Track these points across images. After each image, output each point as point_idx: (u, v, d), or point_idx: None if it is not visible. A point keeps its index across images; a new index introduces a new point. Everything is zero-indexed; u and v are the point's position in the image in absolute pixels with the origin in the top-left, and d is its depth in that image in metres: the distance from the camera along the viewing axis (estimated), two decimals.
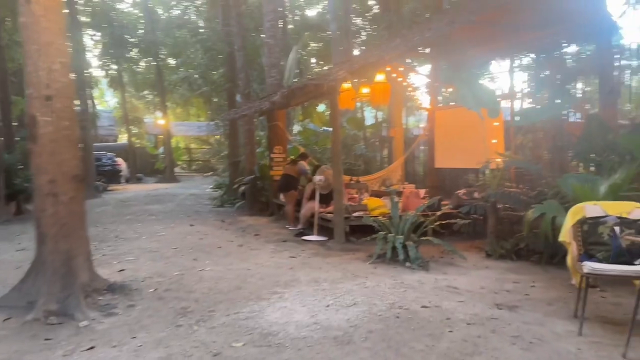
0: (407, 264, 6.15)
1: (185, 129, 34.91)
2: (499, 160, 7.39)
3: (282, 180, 9.42)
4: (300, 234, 8.38)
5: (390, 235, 6.51)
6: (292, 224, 9.22)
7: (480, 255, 6.90)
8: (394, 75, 9.56)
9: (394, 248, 6.35)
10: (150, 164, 29.96)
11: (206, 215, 11.61)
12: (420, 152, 13.21)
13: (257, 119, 14.46)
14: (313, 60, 22.90)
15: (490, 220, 6.97)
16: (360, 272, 5.76)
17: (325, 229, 8.14)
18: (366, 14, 19.50)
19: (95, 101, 43.51)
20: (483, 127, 9.21)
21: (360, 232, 7.68)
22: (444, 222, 6.97)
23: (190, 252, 6.85)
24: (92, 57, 30.74)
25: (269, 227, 9.49)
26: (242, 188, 12.27)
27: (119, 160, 23.70)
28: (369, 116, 19.21)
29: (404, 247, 6.32)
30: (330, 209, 8.46)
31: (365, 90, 9.65)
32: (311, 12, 26.32)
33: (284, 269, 5.83)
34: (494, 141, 8.82)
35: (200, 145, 32.81)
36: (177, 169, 32.55)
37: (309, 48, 22.47)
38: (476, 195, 8.81)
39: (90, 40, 31.23)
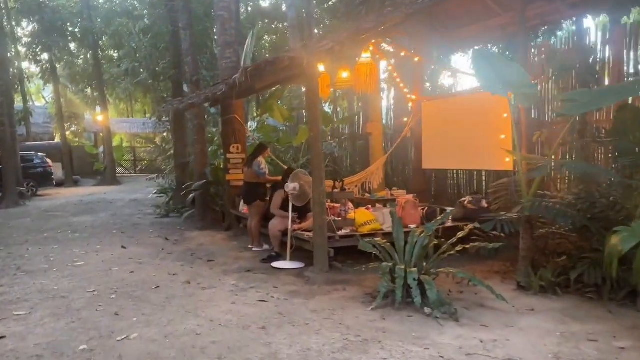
0: (427, 309, 4.34)
1: (129, 126, 32.00)
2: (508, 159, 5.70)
3: (245, 189, 7.44)
4: (269, 258, 6.44)
5: (399, 267, 4.67)
6: (256, 244, 7.26)
7: (509, 287, 5.21)
8: (377, 56, 7.75)
9: (405, 286, 4.53)
10: (89, 165, 27.02)
11: (146, 229, 9.42)
12: (402, 150, 11.50)
13: (209, 112, 12.33)
14: (267, 55, 20.89)
15: (523, 241, 5.27)
16: (366, 330, 3.90)
17: (301, 250, 6.25)
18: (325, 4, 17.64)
19: (32, 97, 39.94)
20: (486, 120, 7.62)
21: (343, 252, 5.88)
22: (454, 240, 5.21)
23: (113, 298, 4.74)
24: (23, 47, 27.44)
25: (227, 247, 7.47)
26: (192, 195, 10.15)
27: (50, 162, 20.79)
28: (328, 111, 17.37)
29: (419, 283, 4.52)
30: (307, 225, 6.56)
31: (344, 74, 7.80)
32: (265, 3, 24.33)
33: (252, 331, 3.86)
34: (502, 137, 7.18)
35: (145, 143, 30.06)
36: (120, 170, 29.76)
37: (262, 41, 20.47)
38: (484, 204, 7.16)
39: (21, 29, 28.04)
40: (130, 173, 30.52)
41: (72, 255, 6.79)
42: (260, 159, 7.29)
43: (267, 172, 7.31)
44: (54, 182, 20.87)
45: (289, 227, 6.29)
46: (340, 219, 6.48)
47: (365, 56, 7.04)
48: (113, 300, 4.64)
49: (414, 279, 4.48)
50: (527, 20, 7.37)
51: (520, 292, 5.08)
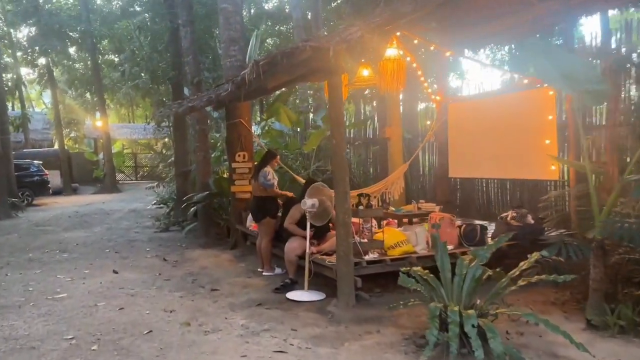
0: None
1: (129, 132, 31.14)
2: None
3: (253, 204, 6.51)
4: (283, 287, 5.49)
5: (452, 310, 3.72)
6: (267, 267, 6.32)
7: (576, 325, 4.27)
8: (401, 52, 6.80)
9: (461, 334, 3.59)
10: (89, 172, 26.19)
11: (143, 247, 8.50)
12: (425, 157, 10.57)
13: (211, 116, 11.42)
14: None
15: (595, 270, 4.32)
16: None
17: (318, 275, 5.31)
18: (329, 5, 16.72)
19: (33, 102, 39.18)
20: (526, 122, 6.67)
21: (369, 277, 4.99)
22: (515, 272, 4.25)
23: (94, 350, 3.79)
24: (20, 51, 26.65)
25: (233, 271, 6.53)
26: (193, 208, 9.22)
27: (47, 170, 19.91)
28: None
29: (479, 330, 3.57)
30: (327, 247, 5.64)
31: (365, 72, 6.88)
32: (268, 5, 23.48)
33: None
34: (546, 142, 6.23)
35: (147, 150, 29.24)
36: (121, 177, 28.93)
37: (266, 44, 19.57)
38: (530, 220, 6.21)
39: (19, 32, 27.28)
40: (131, 180, 29.67)
41: (55, 284, 5.86)
42: (268, 169, 6.36)
43: (275, 184, 6.37)
44: (51, 190, 20.02)
45: (308, 250, 5.35)
46: (365, 240, 5.54)
47: (391, 51, 6.10)
48: (94, 354, 3.69)
49: (473, 326, 3.54)
50: (570, 10, 6.43)
51: (593, 332, 4.15)
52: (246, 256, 7.29)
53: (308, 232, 5.40)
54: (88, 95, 29.84)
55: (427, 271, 4.33)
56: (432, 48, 7.17)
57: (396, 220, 6.68)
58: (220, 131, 13.70)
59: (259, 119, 15.43)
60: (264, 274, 6.27)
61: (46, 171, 19.64)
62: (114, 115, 37.61)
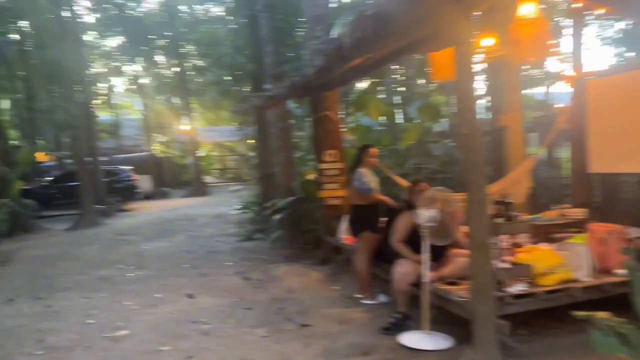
0: None
1: (216, 135, 31.34)
2: None
3: (351, 215, 5.26)
4: (394, 326, 4.18)
5: None
6: (367, 294, 5.04)
7: None
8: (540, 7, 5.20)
9: None
10: (178, 176, 26.56)
11: (224, 260, 7.59)
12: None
13: (294, 114, 10.34)
14: None
15: None
16: None
17: (441, 310, 3.96)
18: None
19: (125, 110, 41.15)
20: None
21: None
22: None
23: None
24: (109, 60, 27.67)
25: (325, 296, 5.31)
26: (278, 216, 8.17)
27: (136, 175, 20.11)
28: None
29: None
30: (449, 271, 4.27)
31: (486, 42, 5.37)
32: None
33: None
34: None
35: (230, 152, 29.22)
36: (209, 179, 29.18)
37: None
38: None
39: (109, 42, 28.28)
40: (219, 183, 29.80)
41: (119, 314, 4.98)
42: (363, 170, 5.07)
43: (374, 188, 5.06)
44: (140, 195, 20.22)
45: (426, 276, 4.00)
46: (506, 264, 4.07)
47: (528, 8, 4.57)
48: None
49: None
50: None
51: None
52: (339, 275, 6.06)
53: (426, 252, 4.04)
54: (175, 100, 30.44)
55: (621, 319, 2.82)
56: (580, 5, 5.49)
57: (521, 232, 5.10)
58: (304, 129, 12.65)
59: (345, 113, 14.16)
60: (364, 302, 4.99)
61: (135, 176, 19.81)
62: (201, 119, 38.38)
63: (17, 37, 16.81)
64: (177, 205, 17.92)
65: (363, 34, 3.02)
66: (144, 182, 22.05)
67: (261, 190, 10.51)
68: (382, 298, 4.99)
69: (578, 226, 5.54)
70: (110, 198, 16.90)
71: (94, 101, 22.32)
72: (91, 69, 22.85)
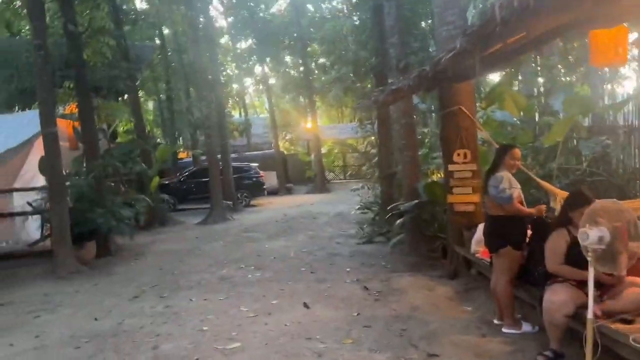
0: None
1: (338, 132, 31.47)
2: None
3: (487, 227, 4.51)
4: None
5: None
6: (508, 320, 4.26)
7: None
8: None
9: None
10: (302, 172, 27.12)
11: (343, 265, 7.21)
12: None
13: (418, 109, 9.62)
14: None
15: None
16: None
17: (608, 354, 3.10)
18: None
19: (257, 109, 43.31)
20: None
21: None
22: None
23: None
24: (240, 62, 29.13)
25: (456, 319, 4.62)
26: (400, 220, 7.58)
27: (262, 172, 20.78)
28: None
29: None
30: (619, 306, 3.37)
31: None
32: None
33: None
34: None
35: (352, 150, 29.10)
36: (332, 176, 29.39)
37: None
38: None
39: (239, 44, 29.76)
40: (340, 179, 29.89)
41: (234, 321, 4.80)
42: (503, 174, 4.27)
43: (515, 196, 4.24)
44: (267, 191, 20.85)
45: (590, 311, 3.17)
46: None
47: None
48: None
49: None
50: None
51: None
52: (471, 292, 5.32)
53: (591, 280, 3.20)
54: (300, 98, 31.14)
55: None
56: None
57: None
58: (429, 125, 11.83)
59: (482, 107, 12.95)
60: (504, 330, 4.22)
61: (262, 173, 20.46)
62: (324, 117, 38.94)
63: (158, 42, 18.21)
64: (300, 201, 18.14)
65: (520, 4, 2.34)
66: (270, 179, 22.78)
67: (382, 190, 10.00)
68: (526, 327, 4.18)
69: None
70: (239, 193, 17.65)
71: (226, 101, 23.65)
72: (224, 71, 24.18)
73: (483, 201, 4.69)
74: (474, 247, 5.37)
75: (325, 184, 23.65)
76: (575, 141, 9.13)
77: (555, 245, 3.69)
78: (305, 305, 5.20)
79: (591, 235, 3.13)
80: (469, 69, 4.12)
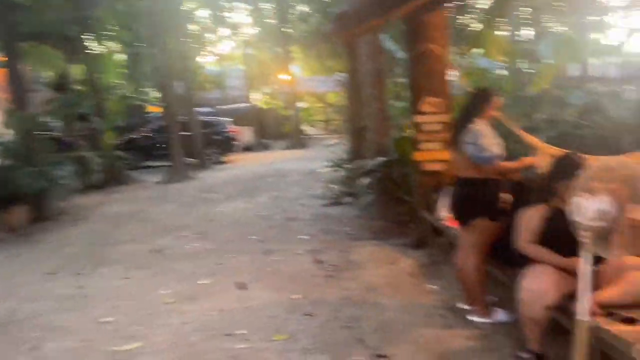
0: None
1: (319, 84, 30.15)
2: None
3: (457, 193, 3.61)
4: None
5: None
6: (478, 306, 3.46)
7: None
8: None
9: None
10: (280, 127, 26.06)
11: (300, 231, 6.38)
12: None
13: (391, 53, 8.56)
14: None
15: None
16: None
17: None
18: None
19: (231, 62, 41.41)
20: None
21: None
22: None
23: None
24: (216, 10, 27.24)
25: (417, 305, 3.81)
26: (366, 180, 6.71)
27: (234, 128, 19.61)
28: None
29: None
30: (615, 294, 2.57)
31: None
32: None
33: None
34: None
35: (329, 103, 27.98)
36: (312, 130, 28.37)
37: None
38: None
39: None
40: (319, 135, 28.88)
41: (145, 310, 3.90)
42: (479, 126, 3.37)
43: (497, 155, 3.36)
44: (239, 147, 19.83)
45: (579, 304, 2.36)
46: None
47: None
48: None
49: None
50: None
51: None
52: (439, 267, 4.53)
53: (584, 267, 2.37)
54: (278, 49, 29.58)
55: None
56: None
57: None
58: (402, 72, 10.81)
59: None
60: (473, 319, 3.43)
61: (235, 128, 19.33)
62: (306, 69, 37.30)
63: None
64: (274, 158, 17.23)
65: None
66: (245, 134, 21.73)
67: (351, 147, 9.08)
68: (500, 316, 3.39)
69: None
70: (208, 150, 16.65)
71: (196, 51, 22.15)
72: (192, 17, 22.46)
73: (451, 159, 3.78)
74: (440, 212, 4.52)
75: (302, 140, 22.67)
76: (564, 91, 8.22)
77: (532, 218, 2.86)
78: (240, 286, 4.35)
79: (588, 208, 2.27)
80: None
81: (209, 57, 30.74)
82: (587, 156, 4.69)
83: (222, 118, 19.18)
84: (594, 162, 2.64)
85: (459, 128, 3.48)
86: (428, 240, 5.11)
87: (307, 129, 28.45)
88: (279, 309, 3.81)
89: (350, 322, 3.51)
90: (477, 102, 3.52)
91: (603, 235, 2.35)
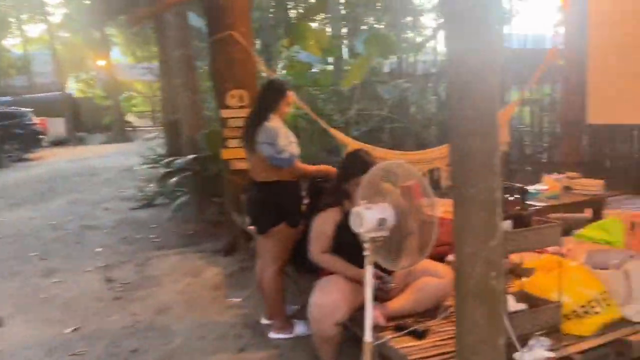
0: None
1: (142, 72, 27.99)
2: None
3: (254, 199, 3.20)
4: None
5: None
6: (277, 321, 3.13)
7: None
8: None
9: None
10: (99, 119, 23.51)
11: (96, 242, 5.49)
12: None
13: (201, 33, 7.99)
14: None
15: None
16: None
17: None
18: None
19: (40, 44, 36.29)
20: None
21: None
22: None
23: None
24: None
25: (214, 322, 3.36)
26: (175, 178, 6.05)
27: (40, 120, 17.03)
28: None
29: None
30: (401, 304, 2.44)
31: None
32: None
33: None
34: None
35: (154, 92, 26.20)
36: (137, 122, 26.15)
37: None
38: None
39: None
40: (148, 127, 26.88)
41: None
42: (274, 124, 3.02)
43: (295, 154, 3.04)
44: (47, 142, 17.37)
45: (368, 318, 2.13)
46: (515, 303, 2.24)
47: None
48: None
49: None
50: None
51: None
52: (245, 274, 4.16)
53: (370, 300, 2.14)
54: (95, 33, 26.64)
55: None
56: None
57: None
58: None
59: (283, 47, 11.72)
60: (271, 335, 3.10)
61: (38, 120, 16.79)
62: (130, 56, 34.38)
63: None
64: (89, 153, 15.40)
65: None
66: (55, 126, 19.15)
67: (168, 141, 8.30)
68: (300, 328, 3.11)
69: (593, 206, 3.86)
70: (8, 146, 14.25)
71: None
72: None
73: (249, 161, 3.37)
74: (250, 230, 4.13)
75: (124, 133, 20.76)
76: (375, 85, 8.50)
77: (324, 224, 2.61)
78: None
79: (367, 217, 2.02)
80: None
81: (15, 40, 26.56)
82: (391, 151, 4.74)
83: (25, 109, 16.51)
84: (395, 157, 2.45)
85: (252, 126, 3.09)
86: (239, 245, 4.70)
87: (133, 120, 26.24)
88: (38, 350, 3.03)
89: (129, 358, 2.92)
90: (271, 96, 3.16)
91: (387, 245, 2.15)
